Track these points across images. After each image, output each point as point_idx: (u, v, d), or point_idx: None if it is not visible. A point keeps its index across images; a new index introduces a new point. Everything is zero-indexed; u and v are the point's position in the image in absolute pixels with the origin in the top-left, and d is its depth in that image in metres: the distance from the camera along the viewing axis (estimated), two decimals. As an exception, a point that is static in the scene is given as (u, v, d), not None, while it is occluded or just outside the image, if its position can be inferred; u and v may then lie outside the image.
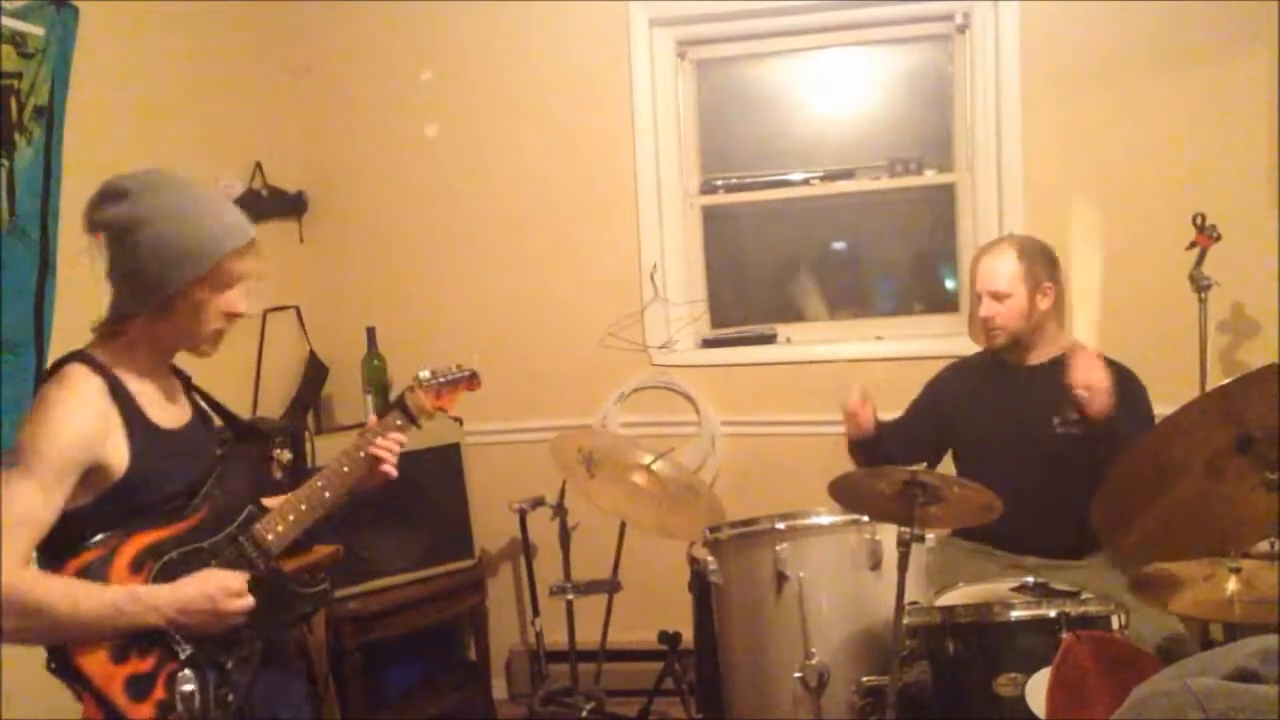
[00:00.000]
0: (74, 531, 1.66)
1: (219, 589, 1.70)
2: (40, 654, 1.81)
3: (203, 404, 1.94)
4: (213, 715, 1.71)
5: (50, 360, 2.52)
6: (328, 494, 1.89)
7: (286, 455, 3.09)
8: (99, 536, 1.67)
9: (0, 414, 2.46)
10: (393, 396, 2.04)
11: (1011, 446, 2.70)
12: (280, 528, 1.85)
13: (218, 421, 1.97)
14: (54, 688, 1.71)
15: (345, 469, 1.91)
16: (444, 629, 3.59)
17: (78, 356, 1.71)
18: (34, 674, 1.93)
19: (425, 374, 2.04)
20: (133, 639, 1.65)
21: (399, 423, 1.97)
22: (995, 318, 2.74)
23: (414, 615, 3.28)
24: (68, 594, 1.60)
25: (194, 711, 1.65)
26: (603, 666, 3.32)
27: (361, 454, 1.92)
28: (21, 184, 2.57)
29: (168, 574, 1.70)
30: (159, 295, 1.69)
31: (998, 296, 2.73)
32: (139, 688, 1.65)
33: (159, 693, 1.66)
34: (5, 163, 2.54)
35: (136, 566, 1.68)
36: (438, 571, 3.33)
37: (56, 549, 1.66)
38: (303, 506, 1.88)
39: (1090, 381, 2.45)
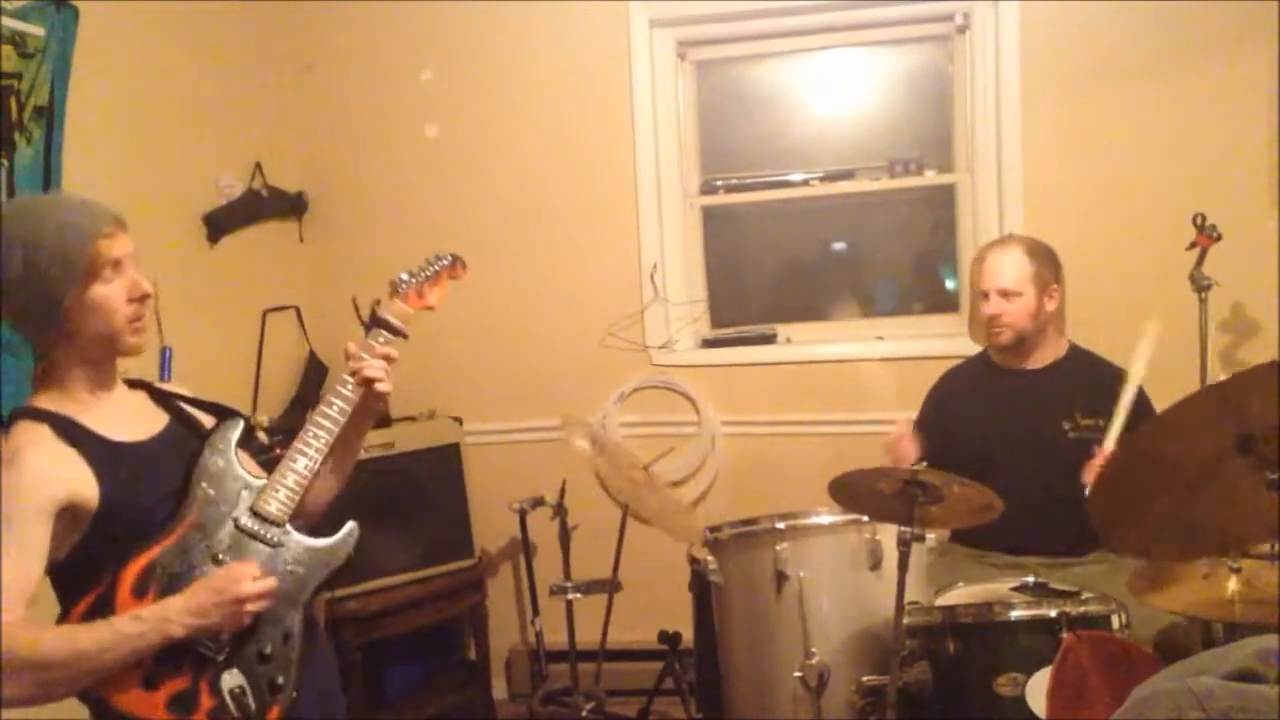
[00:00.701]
0: (80, 578, 1.61)
1: (226, 579, 1.62)
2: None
3: (180, 405, 1.84)
4: (269, 703, 1.66)
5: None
6: (323, 438, 1.79)
7: (264, 419, 3.06)
8: (92, 580, 1.60)
9: (1, 415, 2.46)
10: (373, 315, 1.88)
11: (1019, 451, 2.69)
12: (280, 494, 1.75)
13: (204, 418, 1.87)
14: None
15: (334, 408, 1.80)
16: (444, 629, 3.59)
17: (17, 414, 1.66)
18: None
19: (403, 275, 1.90)
20: (160, 662, 1.59)
21: (382, 339, 1.85)
22: (1002, 315, 2.72)
23: (414, 615, 3.28)
24: (65, 639, 1.55)
25: (248, 708, 1.63)
26: (603, 666, 3.31)
27: (349, 387, 1.81)
28: (21, 184, 2.57)
29: (173, 585, 1.63)
30: (55, 315, 1.62)
31: (1006, 294, 2.72)
32: (184, 705, 1.60)
33: (206, 701, 1.61)
34: (5, 163, 2.54)
35: (140, 591, 1.61)
36: (438, 571, 3.33)
37: (69, 601, 1.62)
38: (298, 463, 1.77)
39: None
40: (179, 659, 1.60)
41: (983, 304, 2.79)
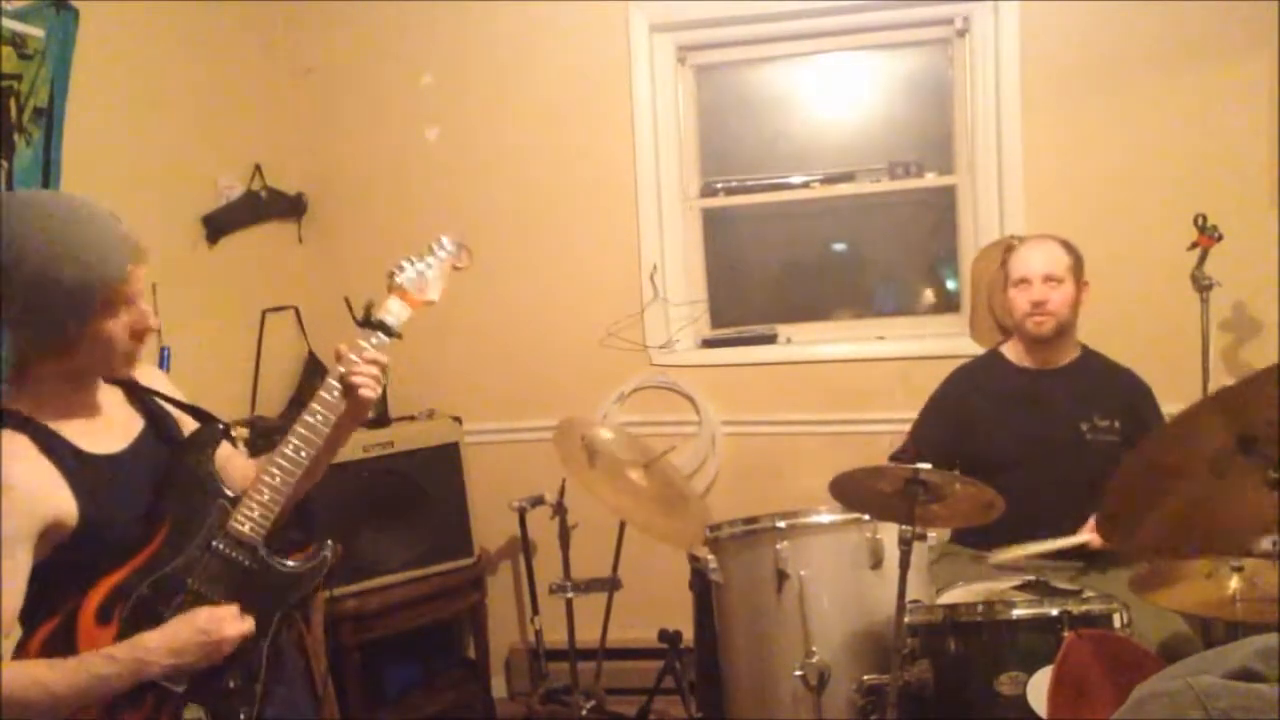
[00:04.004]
0: (39, 604, 1.49)
1: (210, 619, 1.54)
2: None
3: (156, 404, 1.70)
4: None
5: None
6: (305, 451, 1.67)
7: (244, 432, 2.99)
8: (55, 603, 1.50)
9: None
10: (367, 315, 1.74)
11: (1039, 451, 2.68)
12: (255, 512, 1.63)
13: (182, 417, 1.74)
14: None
15: (318, 417, 1.68)
16: (443, 627, 3.60)
17: None
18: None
19: (402, 265, 1.74)
20: (120, 695, 1.48)
21: (374, 342, 1.71)
22: (1048, 302, 2.68)
23: (413, 614, 3.28)
24: (35, 680, 1.43)
25: None
26: (602, 665, 3.32)
27: (334, 394, 1.68)
28: (21, 185, 2.57)
29: (143, 610, 1.53)
30: (53, 340, 1.49)
31: (1050, 280, 2.68)
32: None
33: None
34: (5, 164, 2.53)
35: (104, 617, 1.51)
36: (437, 570, 3.33)
37: (26, 617, 1.50)
38: (275, 479, 1.65)
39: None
40: (140, 692, 1.51)
41: (1021, 292, 2.71)
